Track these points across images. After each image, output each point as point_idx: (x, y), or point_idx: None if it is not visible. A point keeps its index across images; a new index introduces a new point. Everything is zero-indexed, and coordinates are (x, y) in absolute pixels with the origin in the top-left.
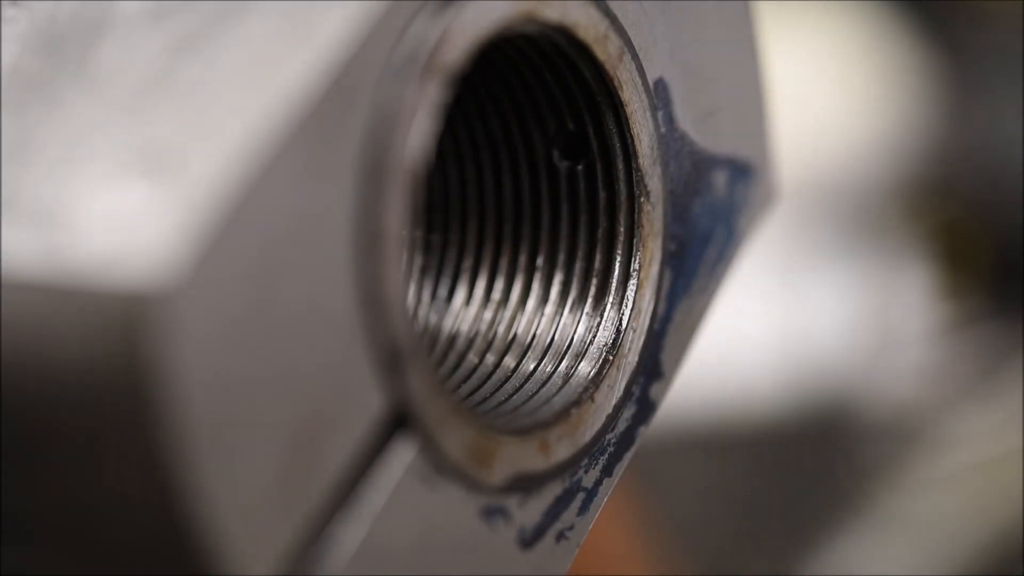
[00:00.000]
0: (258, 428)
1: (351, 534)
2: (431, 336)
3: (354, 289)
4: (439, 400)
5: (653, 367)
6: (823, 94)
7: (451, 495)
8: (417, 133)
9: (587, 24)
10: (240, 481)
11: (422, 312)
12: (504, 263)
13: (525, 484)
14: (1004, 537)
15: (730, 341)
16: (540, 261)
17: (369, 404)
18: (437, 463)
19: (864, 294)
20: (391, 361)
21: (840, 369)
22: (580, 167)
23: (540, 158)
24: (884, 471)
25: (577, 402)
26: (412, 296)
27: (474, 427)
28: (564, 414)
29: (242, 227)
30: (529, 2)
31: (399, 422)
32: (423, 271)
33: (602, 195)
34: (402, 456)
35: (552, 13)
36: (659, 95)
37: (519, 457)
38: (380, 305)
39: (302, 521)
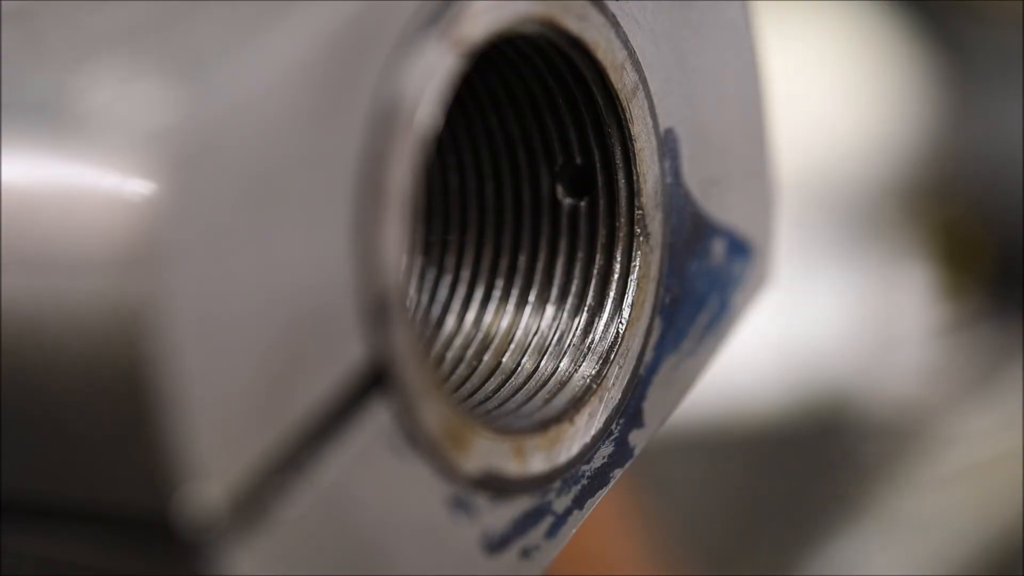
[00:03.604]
0: (239, 339)
1: (312, 480)
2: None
3: (349, 233)
4: (421, 369)
5: (635, 413)
6: (823, 94)
7: (419, 472)
8: (430, 95)
9: (606, 48)
10: (216, 389)
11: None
12: (498, 289)
13: (497, 484)
14: (1004, 537)
15: (730, 340)
16: (533, 294)
17: (349, 351)
18: (411, 434)
19: (864, 294)
20: (377, 313)
21: (840, 369)
22: (583, 203)
23: (544, 193)
24: (884, 471)
25: (557, 419)
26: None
27: (454, 409)
28: (543, 427)
29: (248, 138)
30: (550, 2)
31: (377, 378)
32: (420, 284)
33: (602, 231)
34: (375, 417)
35: (571, 24)
36: (668, 144)
37: (494, 453)
38: (373, 256)
39: (268, 447)
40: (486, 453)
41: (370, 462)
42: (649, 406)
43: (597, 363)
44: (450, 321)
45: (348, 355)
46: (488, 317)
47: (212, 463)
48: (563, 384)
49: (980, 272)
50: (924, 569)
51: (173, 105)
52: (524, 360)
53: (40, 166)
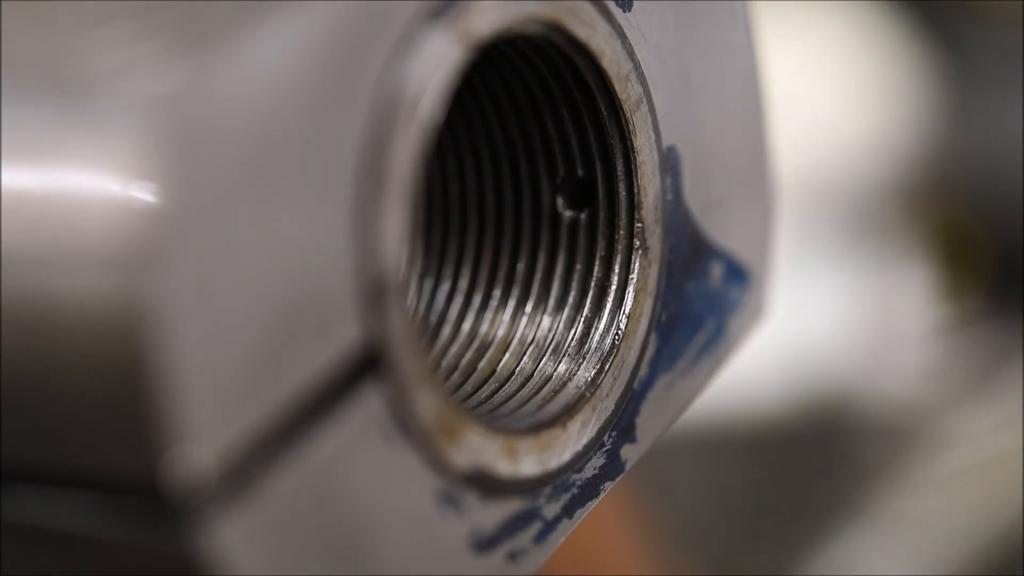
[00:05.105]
0: (236, 313)
1: (301, 457)
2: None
3: (349, 216)
4: (416, 358)
5: (628, 427)
6: (823, 94)
7: (409, 462)
8: (435, 85)
9: (612, 57)
10: (211, 360)
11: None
12: (495, 296)
13: (487, 483)
14: (1004, 537)
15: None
16: (531, 302)
17: (344, 332)
18: (403, 422)
19: (864, 294)
20: (373, 297)
21: (840, 369)
22: (583, 215)
23: (545, 204)
24: (884, 471)
25: (550, 424)
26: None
27: (447, 401)
28: (535, 430)
29: (252, 113)
30: (558, 2)
31: (371, 362)
32: (419, 290)
33: (601, 243)
34: (368, 402)
35: (578, 30)
36: (670, 161)
37: (485, 450)
38: (372, 239)
39: (259, 420)
40: (478, 449)
41: (360, 446)
42: (642, 422)
43: (592, 372)
44: (448, 326)
45: (343, 337)
46: (485, 323)
47: (203, 429)
48: (557, 391)
49: (980, 272)
50: (924, 569)
51: (177, 77)
52: (520, 366)
53: (42, 134)
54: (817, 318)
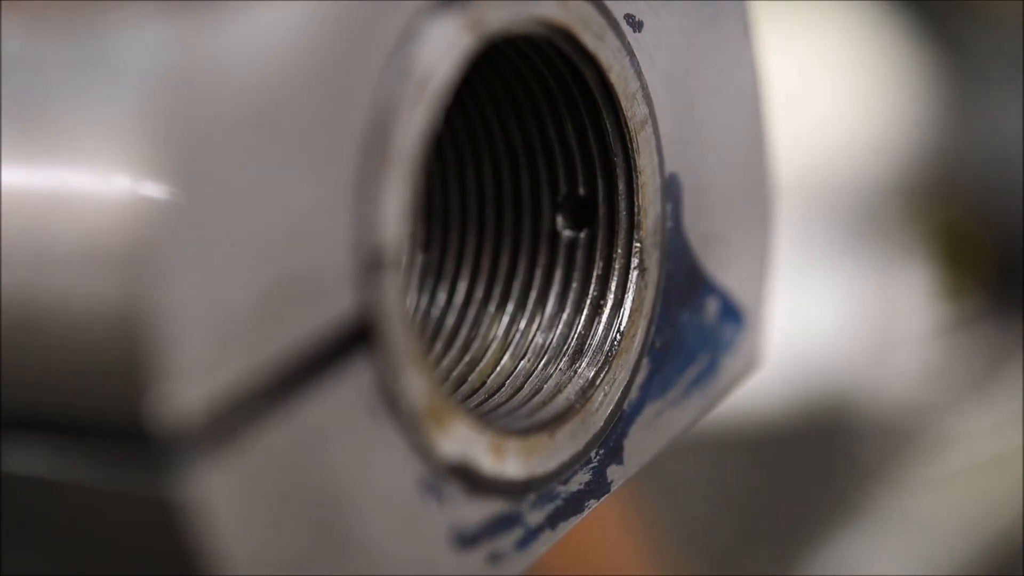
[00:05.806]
0: (234, 269)
1: (285, 417)
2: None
3: (352, 185)
4: (408, 337)
5: (616, 448)
6: (823, 94)
7: (394, 443)
8: (445, 66)
9: (620, 73)
10: (206, 309)
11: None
12: (491, 308)
13: (471, 477)
14: (1004, 537)
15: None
16: (524, 320)
17: (339, 301)
18: (391, 400)
19: (864, 294)
20: (369, 268)
21: (840, 369)
22: (582, 235)
23: (544, 223)
24: (884, 471)
25: (538, 429)
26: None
27: (438, 387)
28: (523, 432)
29: (259, 72)
30: (571, 2)
31: (363, 334)
32: (416, 304)
33: (599, 262)
34: (358, 375)
35: (588, 40)
36: (672, 188)
37: (472, 443)
38: (373, 210)
39: (247, 372)
40: (464, 440)
41: (346, 418)
42: (630, 445)
43: (583, 384)
44: (443, 338)
45: (337, 306)
46: (480, 335)
47: (192, 370)
48: (547, 401)
49: (980, 272)
50: (924, 569)
51: (185, 39)
52: (511, 378)
53: (55, 97)
54: (817, 318)
